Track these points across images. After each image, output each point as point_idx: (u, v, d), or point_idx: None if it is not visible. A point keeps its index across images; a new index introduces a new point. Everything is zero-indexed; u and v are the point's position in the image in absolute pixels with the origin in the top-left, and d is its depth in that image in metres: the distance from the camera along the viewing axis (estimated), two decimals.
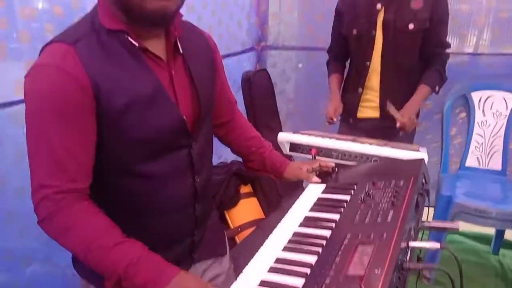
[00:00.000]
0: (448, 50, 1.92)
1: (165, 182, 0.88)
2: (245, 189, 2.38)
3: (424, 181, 1.07)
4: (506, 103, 2.34)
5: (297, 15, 2.69)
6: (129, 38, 0.81)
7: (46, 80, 0.75)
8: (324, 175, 1.19)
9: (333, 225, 0.87)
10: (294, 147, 1.45)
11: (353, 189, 1.03)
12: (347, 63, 2.10)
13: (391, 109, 1.79)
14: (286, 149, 1.47)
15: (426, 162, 1.17)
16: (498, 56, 2.31)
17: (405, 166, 1.15)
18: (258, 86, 2.62)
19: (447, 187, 2.22)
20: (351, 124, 2.04)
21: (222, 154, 2.24)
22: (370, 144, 1.40)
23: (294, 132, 1.59)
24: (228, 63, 2.46)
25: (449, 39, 1.95)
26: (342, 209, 0.93)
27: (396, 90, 1.89)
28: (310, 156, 1.39)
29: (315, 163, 1.20)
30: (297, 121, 2.86)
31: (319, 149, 1.39)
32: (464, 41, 2.39)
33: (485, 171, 2.43)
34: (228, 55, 2.45)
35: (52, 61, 0.75)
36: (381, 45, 1.85)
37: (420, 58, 1.90)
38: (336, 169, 1.19)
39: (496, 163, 2.40)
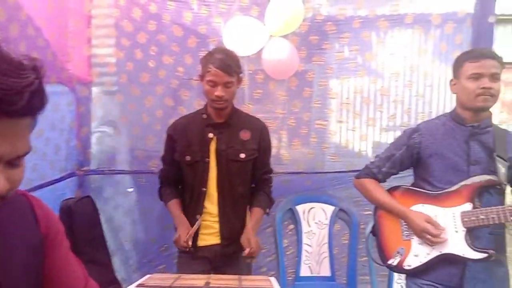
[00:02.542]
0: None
1: None
2: None
3: None
4: (325, 213, 2.60)
5: (124, 137, 2.56)
6: None
7: None
8: None
9: None
10: None
11: None
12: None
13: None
14: None
15: None
16: (316, 174, 2.62)
17: None
18: (80, 216, 2.27)
19: None
20: (191, 253, 1.91)
21: None
22: None
23: (137, 286, 1.37)
24: (42, 194, 2.09)
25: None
26: None
27: (234, 216, 1.90)
28: None
29: None
30: (129, 253, 2.56)
31: None
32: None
33: (318, 278, 2.56)
34: (41, 186, 2.08)
35: None
36: (215, 172, 1.87)
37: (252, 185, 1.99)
38: None
39: (325, 270, 2.57)
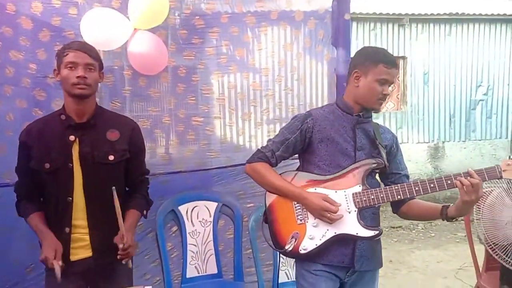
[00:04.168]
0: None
1: None
2: None
3: None
4: (208, 210, 2.57)
5: None
6: None
7: None
8: None
9: None
10: None
11: None
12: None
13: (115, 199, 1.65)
14: None
15: None
16: (197, 172, 2.56)
17: None
18: None
19: None
20: (63, 271, 1.72)
21: None
22: None
23: None
24: None
25: None
26: None
27: (106, 225, 1.73)
28: None
29: None
30: None
31: None
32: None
33: (205, 277, 2.53)
34: None
35: None
36: (81, 179, 1.71)
37: (126, 188, 1.87)
38: None
39: (212, 268, 2.54)
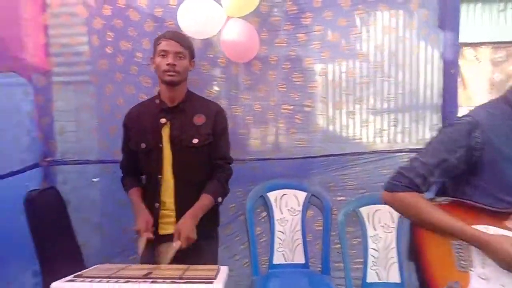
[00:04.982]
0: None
1: None
2: None
3: None
4: (297, 199, 2.54)
5: (88, 127, 2.52)
6: None
7: None
8: None
9: None
10: None
11: None
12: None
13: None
14: None
15: None
16: (287, 160, 2.55)
17: None
18: (46, 207, 2.24)
19: None
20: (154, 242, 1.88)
21: None
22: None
23: (75, 277, 1.35)
24: (3, 186, 2.08)
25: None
26: None
27: (192, 204, 1.83)
28: None
29: None
30: (101, 242, 2.54)
31: None
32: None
33: (291, 266, 2.51)
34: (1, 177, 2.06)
35: None
36: (170, 159, 1.83)
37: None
38: None
39: (299, 257, 2.52)
